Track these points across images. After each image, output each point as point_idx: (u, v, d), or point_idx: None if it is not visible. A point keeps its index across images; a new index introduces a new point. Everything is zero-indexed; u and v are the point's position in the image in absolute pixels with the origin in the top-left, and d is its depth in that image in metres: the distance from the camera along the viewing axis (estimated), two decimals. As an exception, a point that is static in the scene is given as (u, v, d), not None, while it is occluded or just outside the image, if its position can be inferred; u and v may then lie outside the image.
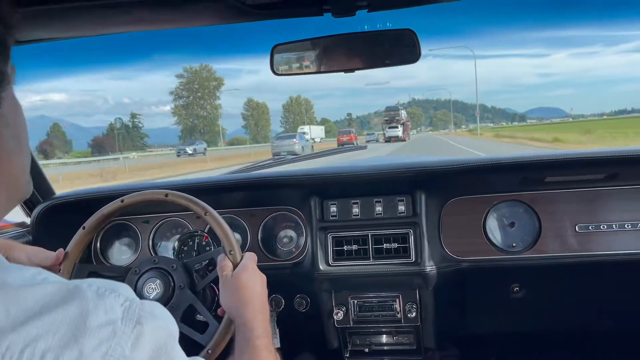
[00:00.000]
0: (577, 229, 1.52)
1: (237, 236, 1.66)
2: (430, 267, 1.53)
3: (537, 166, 1.53)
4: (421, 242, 1.55)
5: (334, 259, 1.59)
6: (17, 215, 1.73)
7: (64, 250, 1.15)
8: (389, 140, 39.37)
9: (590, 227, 1.51)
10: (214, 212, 1.15)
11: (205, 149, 42.05)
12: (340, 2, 1.10)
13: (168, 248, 1.69)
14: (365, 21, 1.24)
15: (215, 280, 1.11)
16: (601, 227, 1.51)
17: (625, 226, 1.50)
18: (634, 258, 1.50)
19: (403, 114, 51.80)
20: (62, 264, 1.13)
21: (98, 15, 1.19)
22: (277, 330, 1.53)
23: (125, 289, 0.54)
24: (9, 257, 1.04)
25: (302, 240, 1.66)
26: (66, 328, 0.46)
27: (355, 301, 1.63)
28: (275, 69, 1.34)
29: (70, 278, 1.12)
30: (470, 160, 1.59)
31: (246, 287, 1.00)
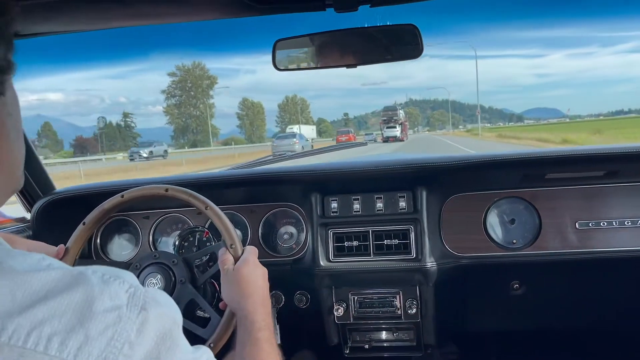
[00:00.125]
0: (577, 225, 1.52)
1: (238, 232, 1.66)
2: (430, 263, 1.53)
3: (538, 163, 1.53)
4: (422, 238, 1.55)
5: (335, 255, 1.58)
6: (18, 211, 1.72)
7: (65, 245, 1.15)
8: (386, 140, 39.24)
9: (590, 224, 1.52)
10: (215, 207, 1.15)
11: (165, 151, 37.96)
12: (343, -4, 1.10)
13: (169, 244, 1.69)
14: (366, 17, 1.24)
15: (216, 275, 1.11)
16: (601, 224, 1.51)
17: (626, 223, 1.50)
18: (634, 255, 1.50)
19: (401, 113, 51.68)
20: (62, 260, 1.13)
21: (98, 8, 1.18)
22: (278, 327, 1.53)
23: (129, 276, 0.54)
24: None
25: (303, 236, 1.66)
26: (72, 313, 0.47)
27: (356, 297, 1.64)
28: (277, 64, 1.34)
29: None
30: (471, 157, 1.59)
31: (247, 280, 1.00)
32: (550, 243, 1.54)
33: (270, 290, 1.05)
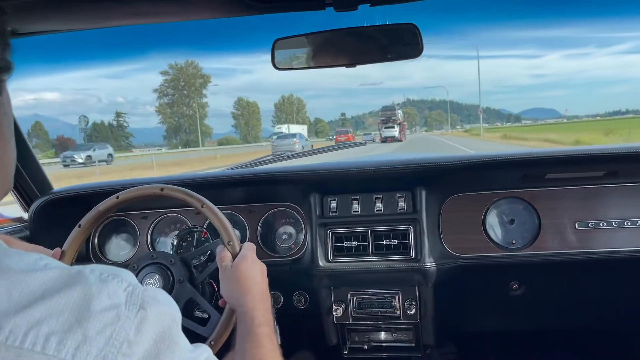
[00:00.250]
0: (576, 226, 1.52)
1: (237, 232, 1.65)
2: (429, 263, 1.53)
3: (537, 163, 1.53)
4: (421, 238, 1.54)
5: (334, 256, 1.58)
6: (16, 211, 1.71)
7: (61, 249, 1.13)
8: (385, 140, 39.18)
9: (590, 225, 1.52)
10: (211, 204, 1.14)
11: (110, 155, 31.14)
12: (343, -5, 1.09)
13: (167, 244, 1.68)
14: (366, 17, 1.24)
15: (215, 273, 1.10)
16: (601, 224, 1.51)
17: (625, 223, 1.50)
18: (633, 255, 1.50)
19: (399, 113, 51.55)
20: None
21: (96, 7, 1.17)
22: (277, 327, 1.52)
23: (127, 275, 0.54)
24: None
25: (302, 236, 1.65)
26: (70, 312, 0.46)
27: (355, 298, 1.63)
28: (276, 64, 1.33)
29: None
30: (470, 157, 1.59)
31: (246, 276, 1.00)
32: (549, 243, 1.54)
33: (269, 290, 1.04)
